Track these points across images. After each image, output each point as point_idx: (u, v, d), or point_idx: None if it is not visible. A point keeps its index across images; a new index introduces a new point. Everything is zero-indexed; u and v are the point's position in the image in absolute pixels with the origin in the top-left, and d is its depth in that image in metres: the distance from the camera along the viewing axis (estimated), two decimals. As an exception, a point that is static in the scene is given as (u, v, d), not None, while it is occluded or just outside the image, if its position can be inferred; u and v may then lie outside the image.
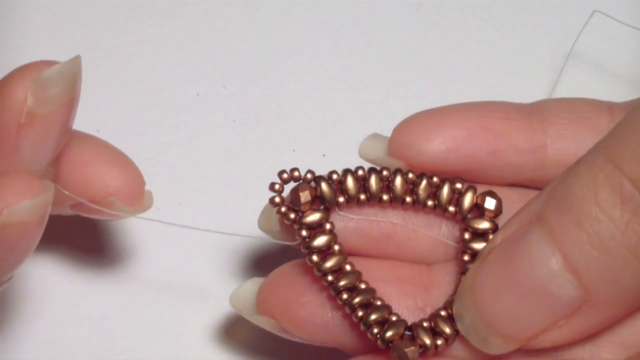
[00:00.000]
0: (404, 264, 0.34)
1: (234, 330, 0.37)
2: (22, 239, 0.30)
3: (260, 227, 0.34)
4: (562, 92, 0.39)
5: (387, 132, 0.35)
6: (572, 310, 0.30)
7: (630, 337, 0.32)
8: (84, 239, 0.38)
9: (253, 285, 0.33)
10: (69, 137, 0.32)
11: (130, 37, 0.43)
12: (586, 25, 0.39)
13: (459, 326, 0.31)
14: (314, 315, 0.32)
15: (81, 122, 0.40)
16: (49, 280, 0.37)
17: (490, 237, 0.33)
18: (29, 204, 0.29)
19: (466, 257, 0.33)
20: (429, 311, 0.33)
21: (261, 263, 0.38)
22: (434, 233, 0.34)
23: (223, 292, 0.37)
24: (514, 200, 0.34)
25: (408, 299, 0.33)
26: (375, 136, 0.35)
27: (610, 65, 0.42)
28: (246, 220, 0.39)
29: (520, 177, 0.34)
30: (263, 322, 0.33)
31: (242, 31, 0.43)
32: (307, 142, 0.41)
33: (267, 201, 0.33)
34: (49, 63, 0.30)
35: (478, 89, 0.42)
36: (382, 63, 0.42)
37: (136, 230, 0.39)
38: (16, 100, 0.30)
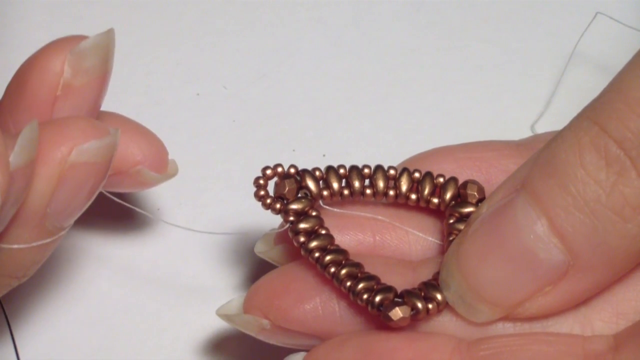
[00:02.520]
0: (394, 258, 0.34)
1: (222, 345, 0.37)
2: (88, 181, 0.30)
3: (257, 250, 0.34)
4: (563, 93, 0.39)
5: (387, 132, 0.35)
6: (559, 275, 0.29)
7: (623, 305, 0.31)
8: (84, 235, 0.38)
9: (239, 299, 0.33)
10: (98, 112, 0.32)
11: (131, 37, 0.43)
12: (589, 26, 0.39)
13: (446, 294, 0.31)
14: (302, 301, 0.32)
15: (81, 122, 0.41)
16: (48, 279, 0.37)
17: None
18: (96, 144, 0.29)
19: (452, 238, 0.32)
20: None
21: (259, 261, 0.38)
22: (419, 232, 0.34)
23: (221, 291, 0.37)
24: None
25: (397, 276, 0.32)
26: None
27: (612, 67, 0.42)
28: (246, 220, 0.39)
29: None
30: (250, 322, 0.32)
31: (242, 31, 0.43)
32: (307, 142, 0.41)
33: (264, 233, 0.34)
34: (83, 37, 0.30)
35: (479, 89, 0.42)
36: (382, 63, 0.42)
37: (135, 229, 0.39)
38: (53, 71, 0.30)
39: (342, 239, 0.33)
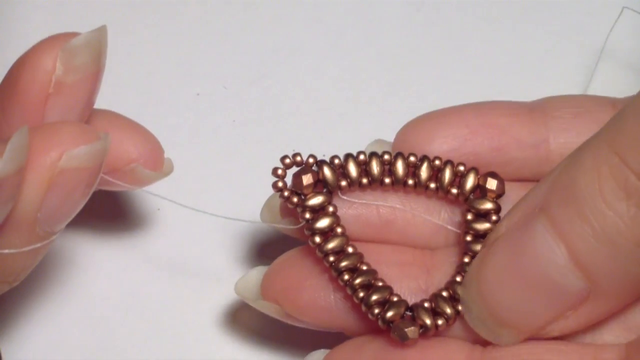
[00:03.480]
0: (407, 248, 0.34)
1: (240, 315, 0.37)
2: (79, 187, 0.30)
3: (263, 219, 0.34)
4: (595, 92, 0.39)
5: (387, 132, 0.35)
6: (579, 302, 0.30)
7: (633, 320, 0.32)
8: (93, 220, 0.39)
9: (258, 273, 0.34)
10: (91, 110, 0.32)
11: (131, 37, 0.43)
12: (616, 22, 0.39)
13: (467, 317, 0.31)
14: (316, 299, 0.32)
15: (81, 122, 0.41)
16: (58, 261, 0.38)
17: (494, 218, 0.33)
18: (86, 150, 0.29)
19: (469, 238, 0.33)
20: (431, 293, 0.32)
21: (267, 249, 0.38)
22: (434, 218, 0.34)
23: (230, 278, 0.37)
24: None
25: (410, 281, 0.33)
26: (379, 142, 0.35)
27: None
28: (247, 219, 0.39)
29: (526, 173, 0.34)
30: (267, 308, 0.33)
31: (242, 31, 0.43)
32: (307, 141, 0.41)
33: (268, 197, 0.34)
34: (75, 34, 0.30)
35: (477, 90, 0.42)
36: (383, 63, 0.42)
37: (142, 216, 0.39)
38: (45, 69, 0.30)
39: (349, 217, 0.33)
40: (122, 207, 0.39)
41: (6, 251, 0.29)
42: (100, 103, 0.41)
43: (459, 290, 0.31)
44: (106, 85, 0.41)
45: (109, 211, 0.39)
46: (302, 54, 0.43)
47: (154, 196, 0.39)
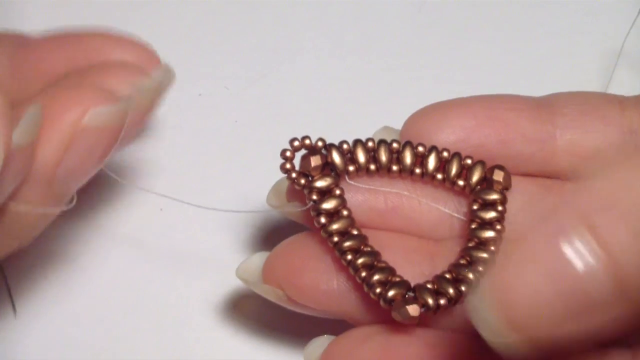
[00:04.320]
0: (412, 236, 0.33)
1: (242, 305, 0.37)
2: (99, 146, 0.30)
3: (269, 203, 0.34)
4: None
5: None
6: (608, 314, 0.29)
7: None
8: (93, 209, 0.39)
9: (260, 258, 0.34)
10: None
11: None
12: (633, 24, 0.39)
13: (479, 329, 0.30)
14: (318, 282, 0.32)
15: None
16: (60, 260, 0.38)
17: (500, 208, 0.33)
18: (109, 109, 0.29)
19: (474, 225, 0.33)
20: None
21: (272, 238, 0.38)
22: (440, 205, 0.34)
23: (231, 265, 0.37)
24: (533, 192, 0.34)
25: (413, 267, 0.32)
26: (387, 129, 0.35)
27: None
28: (248, 219, 0.39)
29: (531, 168, 0.34)
30: (268, 292, 0.33)
31: (243, 31, 0.43)
32: (309, 142, 0.41)
33: (270, 190, 0.34)
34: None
35: (476, 89, 0.42)
36: (384, 63, 0.42)
37: (146, 215, 0.39)
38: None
39: (355, 202, 0.33)
40: (126, 206, 0.39)
41: (22, 207, 0.29)
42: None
43: (471, 279, 0.31)
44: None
45: (112, 210, 0.39)
46: (303, 54, 0.43)
47: (158, 196, 0.39)
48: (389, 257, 0.32)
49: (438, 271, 0.32)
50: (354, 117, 0.41)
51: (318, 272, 0.32)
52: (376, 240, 0.32)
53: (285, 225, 0.37)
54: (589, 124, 0.34)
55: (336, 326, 0.34)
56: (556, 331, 0.29)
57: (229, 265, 0.37)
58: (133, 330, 0.37)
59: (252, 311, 0.37)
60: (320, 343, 0.33)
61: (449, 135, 0.34)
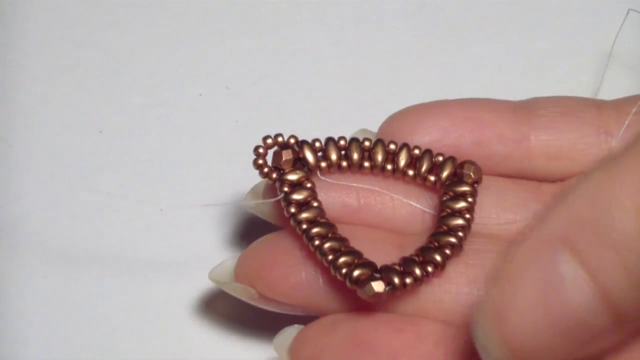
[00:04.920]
0: (381, 229, 0.34)
1: (217, 303, 0.37)
2: None
3: (245, 204, 0.35)
4: (604, 96, 0.39)
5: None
6: (602, 337, 0.29)
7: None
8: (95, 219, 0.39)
9: (232, 261, 0.34)
10: None
11: (132, 37, 0.43)
12: (622, 24, 0.39)
13: (481, 353, 0.29)
14: (287, 275, 0.33)
15: (84, 123, 0.41)
16: (60, 261, 0.38)
17: (469, 199, 0.33)
18: None
19: (443, 214, 0.33)
20: None
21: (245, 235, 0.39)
22: (411, 201, 0.34)
23: (205, 265, 0.37)
24: (508, 190, 0.34)
25: (380, 255, 0.33)
26: (363, 131, 0.35)
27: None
28: (248, 218, 0.39)
29: (508, 168, 0.35)
30: (240, 291, 0.33)
31: (244, 31, 0.43)
32: (309, 142, 0.41)
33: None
34: None
35: (480, 92, 0.42)
36: (385, 63, 0.42)
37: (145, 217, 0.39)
38: None
39: (327, 199, 0.34)
40: (125, 207, 0.39)
41: None
42: (103, 104, 0.41)
43: (473, 310, 0.30)
44: (109, 86, 0.42)
45: (111, 211, 0.39)
46: (303, 55, 0.43)
47: (156, 195, 0.39)
48: (357, 246, 0.32)
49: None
50: (353, 117, 0.41)
51: (287, 265, 0.33)
52: (346, 232, 0.33)
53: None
54: (566, 125, 0.35)
55: (307, 322, 0.34)
56: (555, 356, 0.29)
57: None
58: (130, 338, 0.37)
59: (224, 310, 0.37)
60: (290, 332, 0.33)
61: (424, 135, 0.34)
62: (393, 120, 0.35)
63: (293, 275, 0.33)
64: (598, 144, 0.35)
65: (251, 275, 0.33)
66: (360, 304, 0.32)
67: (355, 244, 0.32)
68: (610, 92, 0.39)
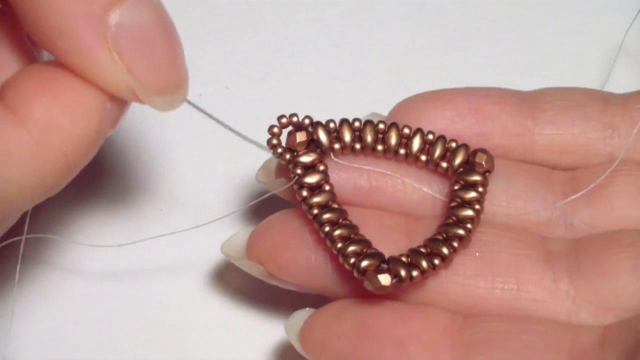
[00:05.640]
0: (391, 214, 0.34)
1: (226, 275, 0.38)
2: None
3: (258, 179, 0.35)
4: (612, 90, 0.39)
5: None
6: None
7: (610, 300, 0.32)
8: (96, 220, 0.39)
9: (244, 234, 0.34)
10: None
11: (133, 37, 0.43)
12: (634, 19, 0.39)
13: None
14: (297, 258, 0.33)
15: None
16: (59, 261, 0.38)
17: (480, 189, 0.33)
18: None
19: (453, 204, 0.33)
20: None
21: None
22: (423, 187, 0.34)
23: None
24: (518, 176, 0.34)
25: (390, 244, 0.33)
26: (374, 115, 0.36)
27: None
28: (249, 218, 0.39)
29: (512, 160, 0.35)
30: (251, 268, 0.34)
31: (244, 31, 0.43)
32: (309, 142, 0.41)
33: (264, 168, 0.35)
34: None
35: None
36: (385, 64, 0.42)
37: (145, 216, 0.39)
38: None
39: (339, 180, 0.34)
40: (125, 206, 0.39)
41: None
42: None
43: None
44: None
45: (112, 210, 0.39)
46: (304, 55, 0.43)
47: (156, 195, 0.39)
48: (367, 233, 0.33)
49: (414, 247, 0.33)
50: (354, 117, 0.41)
51: (297, 248, 0.33)
52: (355, 217, 0.33)
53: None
54: (570, 119, 0.35)
55: (318, 299, 0.34)
56: None
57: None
58: (131, 337, 0.37)
59: (236, 284, 0.37)
60: (301, 316, 0.33)
61: (429, 125, 0.34)
62: (400, 108, 0.36)
63: (303, 259, 0.33)
64: (603, 139, 0.35)
65: (261, 255, 0.33)
66: (368, 291, 0.32)
67: (364, 230, 0.33)
68: (617, 86, 0.39)
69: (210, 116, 0.34)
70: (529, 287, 0.32)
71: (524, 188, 0.34)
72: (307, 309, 0.34)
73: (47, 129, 0.28)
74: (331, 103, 0.42)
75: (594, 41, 0.43)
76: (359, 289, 0.33)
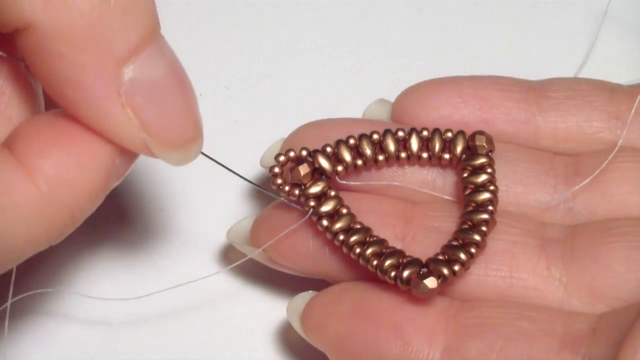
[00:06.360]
0: (388, 199, 0.35)
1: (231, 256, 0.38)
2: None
3: (263, 164, 0.36)
4: (598, 56, 0.39)
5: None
6: None
7: (602, 289, 0.32)
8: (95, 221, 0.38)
9: (249, 221, 0.35)
10: None
11: (132, 37, 0.43)
12: None
13: None
14: (296, 245, 0.34)
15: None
16: (60, 262, 0.38)
17: (489, 170, 0.33)
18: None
19: (467, 191, 0.33)
20: (408, 239, 0.33)
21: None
22: (428, 186, 0.35)
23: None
24: (520, 160, 0.34)
25: (387, 229, 0.34)
26: (381, 101, 0.36)
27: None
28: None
29: None
30: (253, 253, 0.34)
31: (244, 31, 0.43)
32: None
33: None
34: None
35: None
36: (385, 64, 0.42)
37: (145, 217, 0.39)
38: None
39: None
40: (126, 208, 0.39)
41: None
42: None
43: None
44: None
45: (112, 212, 0.39)
46: (304, 55, 0.43)
47: (156, 196, 0.39)
48: (364, 218, 0.33)
49: (411, 233, 0.34)
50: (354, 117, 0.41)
51: (296, 236, 0.34)
52: (352, 203, 0.34)
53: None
54: (575, 108, 0.35)
55: (321, 282, 0.35)
56: None
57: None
58: (131, 338, 0.37)
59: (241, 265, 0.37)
60: (303, 299, 0.34)
61: (432, 111, 0.35)
62: (406, 95, 0.36)
63: (301, 246, 0.34)
64: (608, 129, 0.35)
65: (263, 242, 0.34)
66: (366, 273, 0.33)
67: (361, 217, 0.33)
68: (603, 52, 0.39)
69: (225, 167, 0.34)
70: (522, 274, 0.33)
71: (525, 173, 0.35)
72: (310, 291, 0.34)
73: (57, 184, 0.28)
74: (331, 103, 0.42)
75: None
76: (358, 272, 0.33)
